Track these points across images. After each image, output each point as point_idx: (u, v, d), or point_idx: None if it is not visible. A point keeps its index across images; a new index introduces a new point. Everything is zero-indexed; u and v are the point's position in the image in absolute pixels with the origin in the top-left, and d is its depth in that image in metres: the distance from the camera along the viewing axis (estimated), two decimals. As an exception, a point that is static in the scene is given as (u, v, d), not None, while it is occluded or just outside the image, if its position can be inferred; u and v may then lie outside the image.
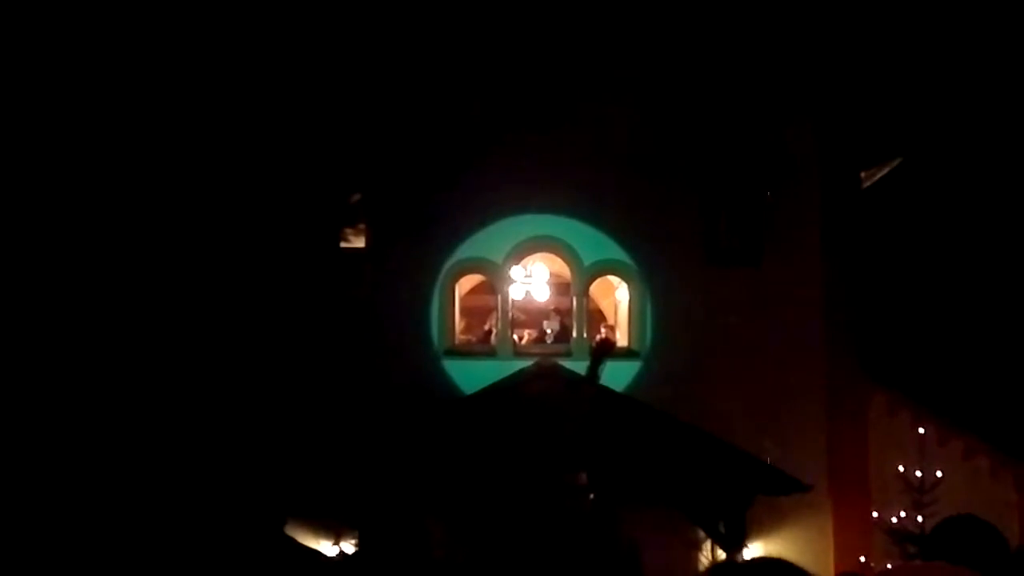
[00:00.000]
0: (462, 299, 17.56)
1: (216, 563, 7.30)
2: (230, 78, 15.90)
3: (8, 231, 14.32)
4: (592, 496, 5.79)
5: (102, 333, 15.21)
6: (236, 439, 15.28)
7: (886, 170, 18.05)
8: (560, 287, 17.50)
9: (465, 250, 16.73)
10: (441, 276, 16.64)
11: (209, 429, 15.25)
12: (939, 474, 15.11)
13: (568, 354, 16.20)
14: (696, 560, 15.00)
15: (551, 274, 17.42)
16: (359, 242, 16.69)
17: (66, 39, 14.95)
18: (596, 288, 17.49)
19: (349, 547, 13.58)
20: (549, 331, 17.29)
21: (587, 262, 16.84)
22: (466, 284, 17.65)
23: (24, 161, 14.70)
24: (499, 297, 16.89)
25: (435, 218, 16.36)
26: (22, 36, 14.67)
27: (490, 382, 15.14)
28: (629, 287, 16.98)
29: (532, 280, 17.25)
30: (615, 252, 16.78)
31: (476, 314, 18.09)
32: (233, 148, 16.09)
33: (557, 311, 17.39)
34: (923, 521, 14.77)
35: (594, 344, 15.77)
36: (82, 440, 14.33)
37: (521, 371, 15.29)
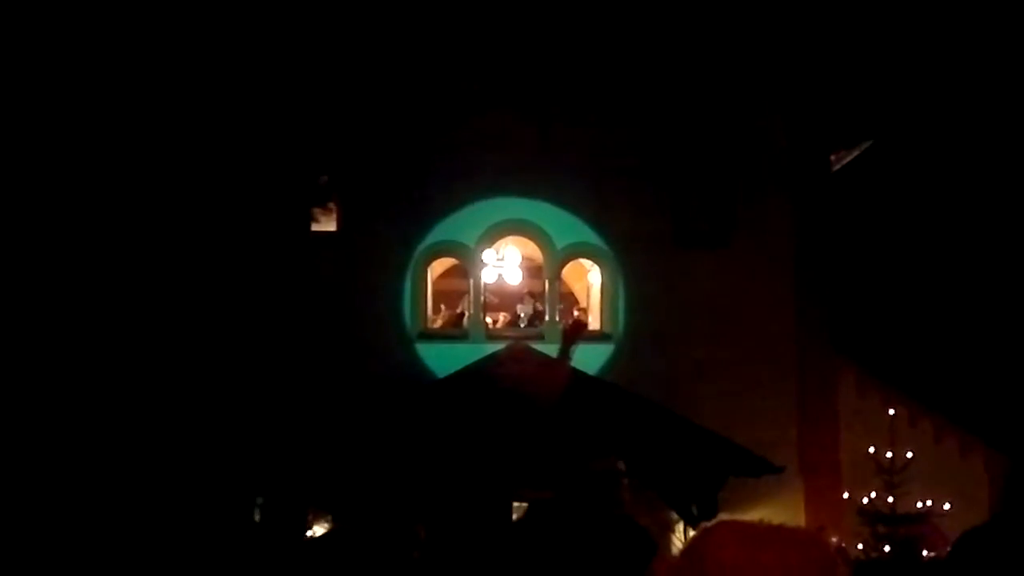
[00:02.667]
0: (434, 282, 17.51)
1: (185, 547, 7.28)
2: (195, 56, 15.77)
3: None
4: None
5: (62, 318, 15.11)
6: (204, 425, 15.21)
7: (856, 153, 18.12)
8: (532, 270, 17.50)
9: (437, 233, 16.69)
10: (413, 259, 16.59)
11: (175, 416, 15.17)
12: (909, 455, 15.21)
13: (541, 337, 16.21)
14: (668, 541, 15.05)
15: (523, 257, 17.40)
16: (330, 225, 16.62)
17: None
18: (568, 271, 17.49)
19: (322, 531, 13.54)
20: (522, 314, 17.27)
21: (559, 245, 16.84)
22: (438, 267, 17.61)
23: None
24: (471, 281, 16.87)
25: (408, 201, 16.33)
26: None
27: (463, 365, 15.13)
28: (601, 270, 16.98)
29: (504, 263, 17.23)
30: (587, 235, 16.78)
31: (449, 298, 18.05)
32: (199, 127, 15.97)
33: (530, 294, 17.38)
34: (894, 501, 14.89)
35: (565, 326, 15.77)
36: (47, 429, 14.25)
37: (493, 354, 15.27)
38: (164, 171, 15.56)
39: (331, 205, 16.53)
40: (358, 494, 13.41)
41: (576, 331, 14.77)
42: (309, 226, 16.52)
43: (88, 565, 11.52)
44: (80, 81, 14.84)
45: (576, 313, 17.33)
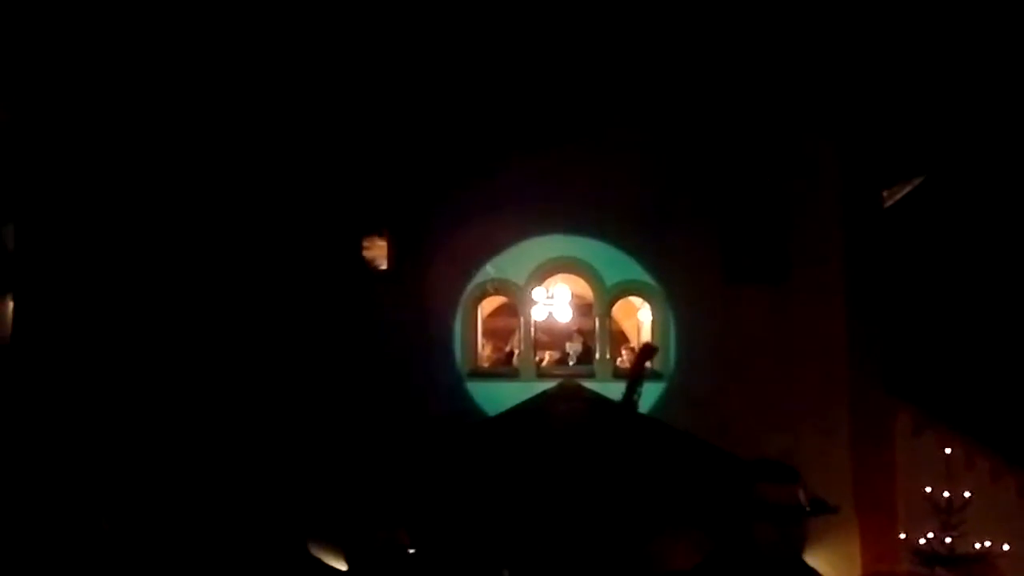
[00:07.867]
0: (484, 321, 17.52)
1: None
2: (262, 98, 16.09)
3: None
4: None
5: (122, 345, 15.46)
6: (255, 458, 15.31)
7: (908, 188, 17.99)
8: (582, 308, 17.46)
9: (488, 272, 16.70)
10: (464, 298, 16.60)
11: (227, 446, 15.32)
12: (967, 495, 15.01)
13: (591, 375, 16.16)
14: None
15: (573, 295, 17.38)
16: (382, 263, 16.68)
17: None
18: (618, 309, 17.44)
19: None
20: (571, 352, 17.23)
21: (609, 283, 16.80)
22: (488, 306, 17.62)
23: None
24: (521, 319, 16.86)
25: (458, 239, 16.39)
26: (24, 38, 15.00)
27: (513, 403, 15.09)
28: (652, 308, 16.91)
29: (554, 301, 17.21)
30: (637, 273, 16.74)
31: (499, 336, 18.05)
32: (260, 168, 16.24)
33: (580, 332, 17.34)
34: (951, 542, 14.68)
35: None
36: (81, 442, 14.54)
37: (544, 392, 15.23)
38: (225, 206, 15.89)
39: (384, 243, 16.64)
40: (420, 536, 13.35)
41: (647, 354, 14.71)
42: (362, 264, 16.63)
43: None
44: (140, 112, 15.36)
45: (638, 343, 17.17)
